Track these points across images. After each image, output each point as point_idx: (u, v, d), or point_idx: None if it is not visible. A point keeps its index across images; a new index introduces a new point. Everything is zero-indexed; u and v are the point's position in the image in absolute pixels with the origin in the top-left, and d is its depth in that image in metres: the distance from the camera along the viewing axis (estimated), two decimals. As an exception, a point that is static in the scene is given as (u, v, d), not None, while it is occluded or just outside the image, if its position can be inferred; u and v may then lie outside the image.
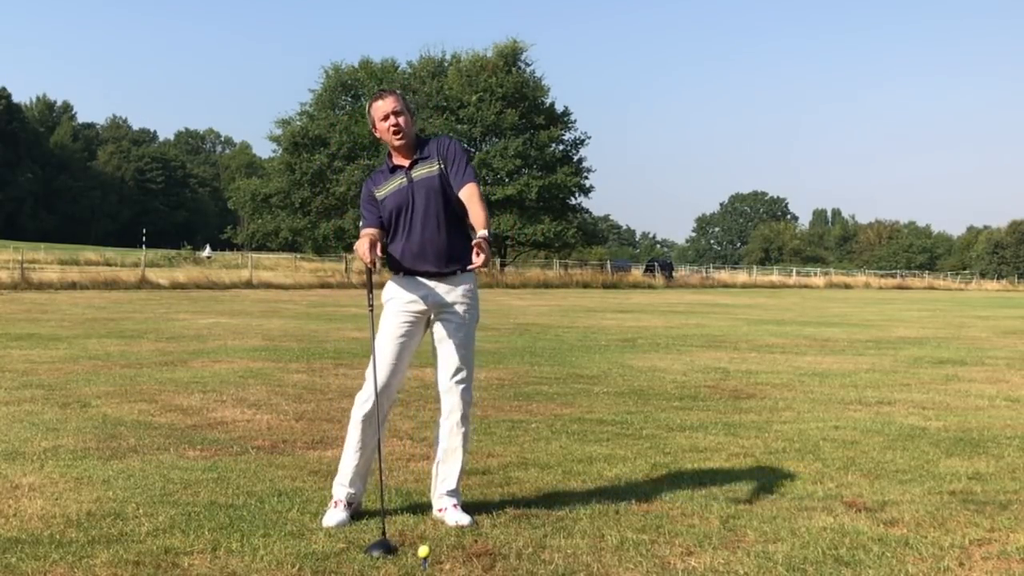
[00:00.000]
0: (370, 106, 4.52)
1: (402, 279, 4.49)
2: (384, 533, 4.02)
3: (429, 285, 4.43)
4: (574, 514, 4.50)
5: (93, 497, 4.68)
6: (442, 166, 4.45)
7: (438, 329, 4.48)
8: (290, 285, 36.67)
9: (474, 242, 4.23)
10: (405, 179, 4.44)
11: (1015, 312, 30.38)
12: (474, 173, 4.50)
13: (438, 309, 4.46)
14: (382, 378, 4.39)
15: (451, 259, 4.43)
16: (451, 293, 4.46)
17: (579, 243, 57.33)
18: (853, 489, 5.10)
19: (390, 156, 4.55)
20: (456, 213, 4.44)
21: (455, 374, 4.45)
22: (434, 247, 4.41)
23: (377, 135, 4.54)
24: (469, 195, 4.40)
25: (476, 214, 4.36)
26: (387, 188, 4.47)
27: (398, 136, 4.43)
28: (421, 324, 4.48)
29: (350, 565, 3.73)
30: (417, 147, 4.52)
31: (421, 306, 4.43)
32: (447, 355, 4.47)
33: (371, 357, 4.43)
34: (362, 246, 4.28)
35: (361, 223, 4.56)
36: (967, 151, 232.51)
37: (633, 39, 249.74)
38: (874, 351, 14.09)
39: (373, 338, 4.47)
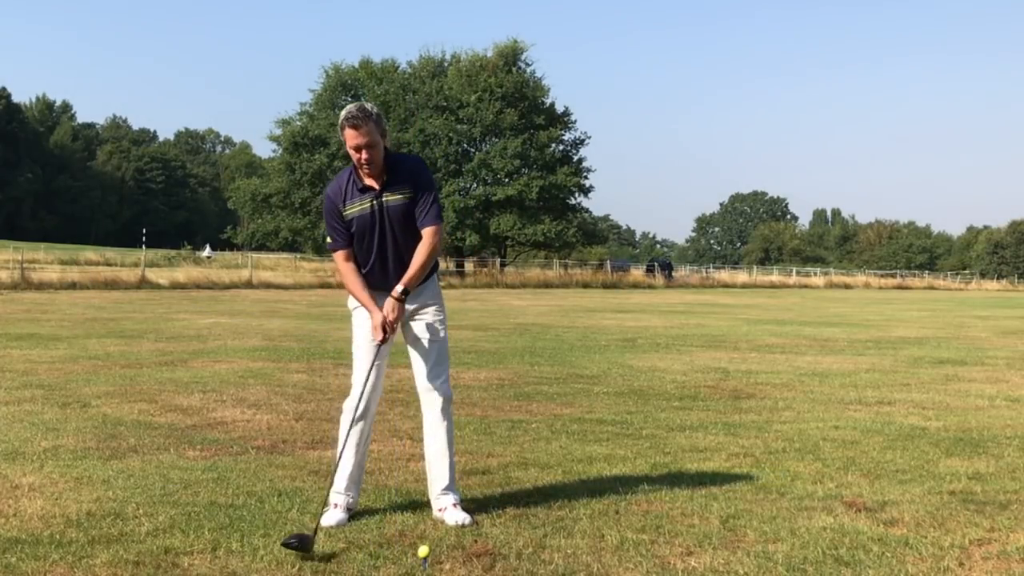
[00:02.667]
0: (341, 128, 4.37)
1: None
2: (316, 531, 3.97)
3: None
4: (574, 514, 4.50)
5: (93, 497, 4.69)
6: (412, 195, 4.43)
7: (408, 332, 4.54)
8: (290, 285, 36.66)
9: (388, 301, 4.35)
10: (374, 203, 4.42)
11: (1015, 312, 30.37)
12: (438, 213, 4.48)
13: (405, 314, 4.49)
14: (363, 383, 4.46)
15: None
16: (415, 299, 4.51)
17: (579, 243, 57.25)
18: (853, 489, 5.11)
19: (357, 171, 4.47)
20: (420, 237, 4.48)
21: (431, 373, 4.51)
22: (400, 269, 4.44)
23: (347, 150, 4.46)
24: (423, 240, 4.43)
25: (413, 263, 4.41)
26: (354, 208, 4.44)
27: (367, 166, 4.38)
28: None
29: (350, 565, 3.73)
30: (387, 169, 4.44)
31: None
32: (421, 356, 4.53)
33: (352, 363, 4.54)
34: (376, 331, 4.34)
35: (330, 240, 4.52)
36: (967, 151, 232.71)
37: (633, 39, 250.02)
38: (874, 351, 14.09)
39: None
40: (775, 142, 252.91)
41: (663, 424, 7.17)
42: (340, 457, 4.52)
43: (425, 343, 4.52)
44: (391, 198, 4.42)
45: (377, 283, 4.48)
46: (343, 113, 4.37)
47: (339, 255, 4.51)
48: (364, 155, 4.34)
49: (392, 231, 4.43)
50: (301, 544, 3.81)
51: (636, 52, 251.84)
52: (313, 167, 52.72)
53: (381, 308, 4.41)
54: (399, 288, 4.38)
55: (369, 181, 4.44)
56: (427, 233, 4.44)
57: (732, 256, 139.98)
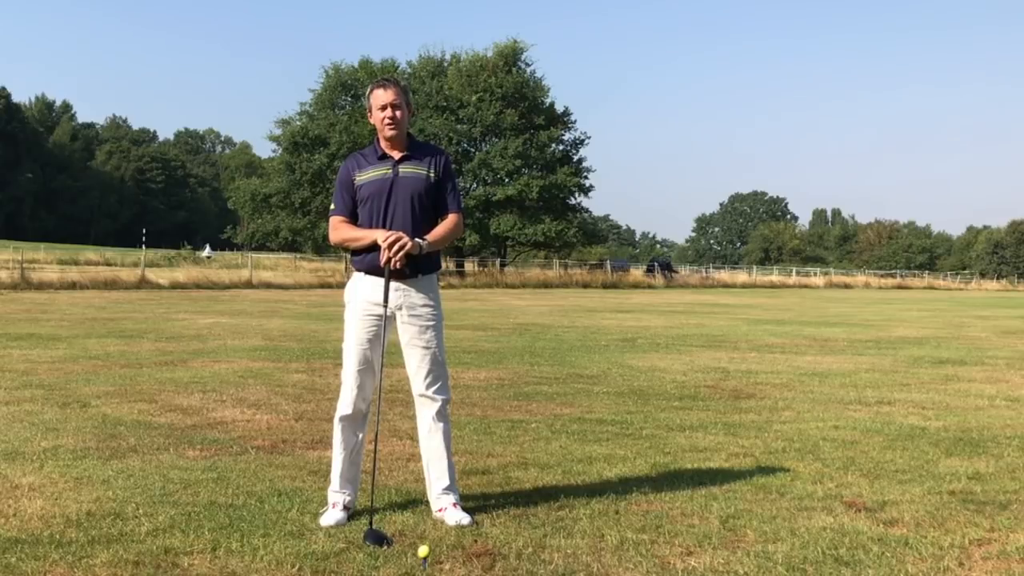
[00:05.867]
0: (370, 91, 4.50)
1: (363, 279, 4.48)
2: (371, 524, 4.13)
3: (390, 287, 4.42)
4: (574, 514, 4.50)
5: (93, 497, 4.68)
6: (435, 177, 4.47)
7: (404, 332, 4.47)
8: (290, 285, 36.68)
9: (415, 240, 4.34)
10: (391, 171, 4.45)
11: (1015, 312, 30.37)
12: (460, 202, 4.63)
13: (400, 312, 4.45)
14: (354, 382, 4.44)
15: (415, 261, 4.42)
16: (412, 296, 4.45)
17: (579, 243, 57.32)
18: (853, 489, 5.10)
19: (378, 142, 4.54)
20: (430, 221, 4.48)
21: (427, 376, 4.46)
22: None
23: (371, 122, 4.55)
24: (447, 221, 4.52)
25: (437, 228, 4.47)
26: (369, 174, 4.46)
27: (391, 127, 4.43)
28: (384, 326, 4.43)
29: (350, 565, 3.73)
30: (409, 144, 4.53)
31: (382, 309, 4.41)
32: (416, 358, 4.46)
33: (343, 361, 4.51)
34: (384, 239, 4.28)
35: (332, 207, 4.57)
36: (967, 151, 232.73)
37: (633, 39, 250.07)
38: (874, 351, 14.08)
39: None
40: (775, 142, 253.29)
41: (663, 424, 7.17)
42: (332, 456, 4.54)
43: (421, 345, 4.44)
44: (407, 170, 4.45)
45: (372, 257, 4.39)
46: (371, 83, 4.56)
47: (335, 218, 4.53)
48: (389, 112, 4.41)
49: (401, 203, 4.40)
50: (377, 540, 3.93)
51: (636, 52, 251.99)
52: (313, 167, 52.72)
53: (371, 294, 4.40)
54: (420, 240, 4.36)
55: (388, 150, 4.49)
56: (453, 217, 4.53)
57: (732, 256, 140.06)
